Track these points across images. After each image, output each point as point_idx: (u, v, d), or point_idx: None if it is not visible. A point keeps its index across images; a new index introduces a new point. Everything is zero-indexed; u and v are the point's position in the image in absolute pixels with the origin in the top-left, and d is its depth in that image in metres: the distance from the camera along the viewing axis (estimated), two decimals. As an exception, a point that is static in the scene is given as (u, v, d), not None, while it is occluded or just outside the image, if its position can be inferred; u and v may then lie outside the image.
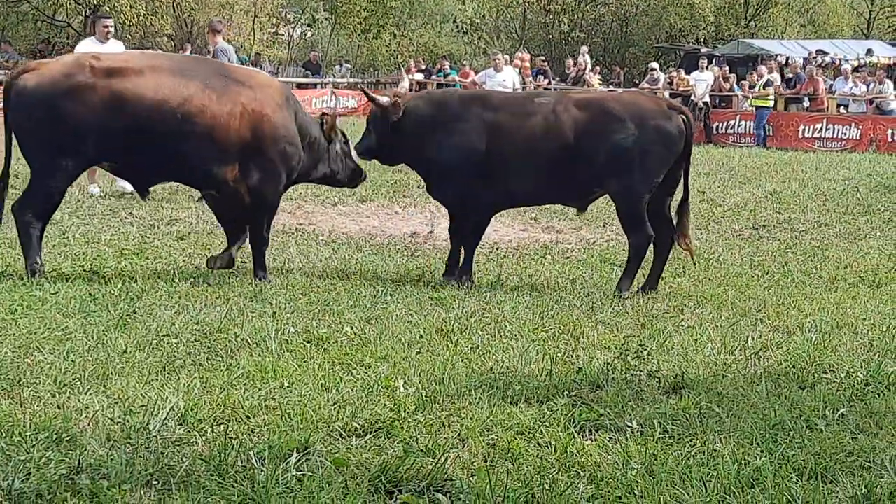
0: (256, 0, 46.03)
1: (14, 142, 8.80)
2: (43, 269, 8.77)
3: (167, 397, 5.62)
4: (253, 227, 9.33)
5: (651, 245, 9.43)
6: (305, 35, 52.58)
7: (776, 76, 28.91)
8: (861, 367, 6.89)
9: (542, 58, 35.66)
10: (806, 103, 28.80)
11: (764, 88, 27.98)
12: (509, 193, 9.56)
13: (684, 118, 9.32)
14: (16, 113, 8.73)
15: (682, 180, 9.48)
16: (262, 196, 9.17)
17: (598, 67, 33.36)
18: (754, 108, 28.09)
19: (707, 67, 30.14)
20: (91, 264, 9.45)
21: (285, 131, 9.15)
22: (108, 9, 35.90)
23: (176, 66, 9.00)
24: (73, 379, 5.96)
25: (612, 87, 32.96)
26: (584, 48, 35.68)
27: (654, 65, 34.28)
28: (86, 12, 37.40)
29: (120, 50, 14.35)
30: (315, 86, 35.52)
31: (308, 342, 7.07)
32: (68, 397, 5.66)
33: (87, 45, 14.34)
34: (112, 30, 14.52)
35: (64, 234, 11.19)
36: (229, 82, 8.99)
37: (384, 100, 9.54)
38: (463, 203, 9.53)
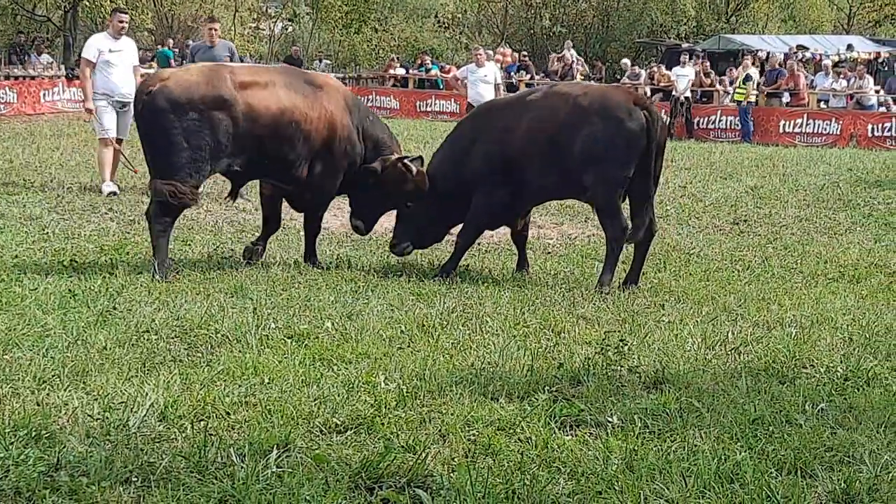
0: (237, -6, 45.99)
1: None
2: (173, 270, 9.21)
3: (147, 394, 5.61)
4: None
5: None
6: (286, 30, 52.54)
7: (755, 71, 28.95)
8: (841, 362, 6.92)
9: (524, 53, 35.60)
10: (786, 98, 28.86)
11: (744, 83, 28.01)
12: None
13: (647, 113, 9.32)
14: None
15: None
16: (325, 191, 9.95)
17: (581, 59, 33.31)
18: (736, 104, 28.13)
19: (688, 63, 30.17)
20: (71, 260, 9.40)
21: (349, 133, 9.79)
22: (88, 4, 35.85)
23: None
24: (53, 375, 5.95)
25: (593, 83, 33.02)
26: (569, 42, 35.69)
27: (626, 61, 34.31)
28: (65, 6, 37.24)
29: (131, 46, 14.35)
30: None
31: (289, 338, 7.06)
32: (47, 394, 5.64)
33: (99, 40, 14.30)
34: (126, 25, 14.39)
35: (43, 229, 11.14)
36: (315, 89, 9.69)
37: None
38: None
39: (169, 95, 8.98)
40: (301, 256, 10.08)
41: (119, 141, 14.36)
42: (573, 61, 32.61)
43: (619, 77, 34.92)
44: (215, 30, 14.70)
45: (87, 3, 36.82)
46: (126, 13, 14.88)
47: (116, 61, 14.09)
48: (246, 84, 9.28)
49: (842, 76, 29.05)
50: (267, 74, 9.73)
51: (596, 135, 9.24)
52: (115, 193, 13.83)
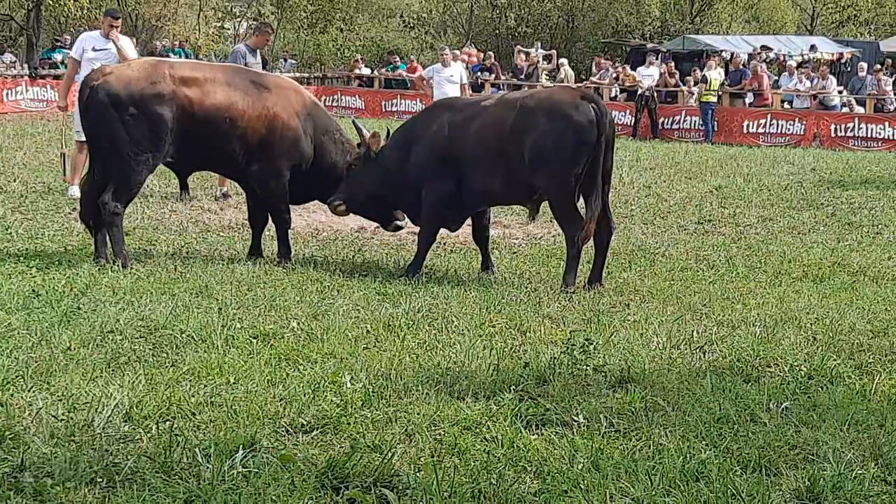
0: (202, -7, 45.80)
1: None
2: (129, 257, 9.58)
3: (112, 394, 5.59)
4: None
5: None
6: (251, 29, 52.38)
7: (719, 72, 29.07)
8: (804, 360, 6.97)
9: (491, 54, 35.61)
10: (750, 98, 29.00)
11: (706, 84, 28.12)
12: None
13: (595, 106, 9.38)
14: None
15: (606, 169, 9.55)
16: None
17: (547, 61, 33.34)
18: (699, 104, 28.26)
19: (655, 63, 30.29)
20: (34, 260, 9.35)
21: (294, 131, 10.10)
22: (51, 3, 35.60)
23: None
24: (17, 376, 5.91)
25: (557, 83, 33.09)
26: (538, 44, 35.74)
27: (563, 60, 34.34)
28: (28, 5, 36.99)
29: (123, 47, 14.17)
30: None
31: (254, 338, 7.05)
32: (11, 395, 5.61)
33: (86, 38, 14.16)
34: (118, 30, 14.16)
35: (7, 229, 11.06)
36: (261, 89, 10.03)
37: None
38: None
39: (109, 90, 9.35)
40: (266, 257, 10.08)
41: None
42: (538, 60, 32.65)
43: (584, 77, 35.01)
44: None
45: (51, 2, 36.56)
46: (118, 18, 14.71)
47: (98, 60, 13.95)
48: (185, 80, 9.64)
49: (805, 77, 29.22)
50: (209, 71, 10.07)
51: (544, 134, 9.28)
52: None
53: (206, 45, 43.61)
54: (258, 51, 14.58)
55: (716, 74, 28.56)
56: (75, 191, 13.82)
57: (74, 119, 13.92)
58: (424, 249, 9.91)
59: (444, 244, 11.43)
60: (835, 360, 7.00)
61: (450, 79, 20.91)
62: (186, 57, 33.37)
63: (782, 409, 5.93)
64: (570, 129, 9.21)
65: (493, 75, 32.37)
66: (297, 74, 38.51)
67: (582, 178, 9.29)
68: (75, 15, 37.33)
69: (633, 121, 28.88)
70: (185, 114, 9.55)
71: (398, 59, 36.71)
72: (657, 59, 31.19)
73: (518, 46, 35.57)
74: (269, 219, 10.36)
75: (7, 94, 28.68)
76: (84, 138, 13.80)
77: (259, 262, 9.80)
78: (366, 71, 35.97)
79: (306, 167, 10.14)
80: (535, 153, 9.28)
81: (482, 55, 35.20)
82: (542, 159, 9.28)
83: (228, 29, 51.31)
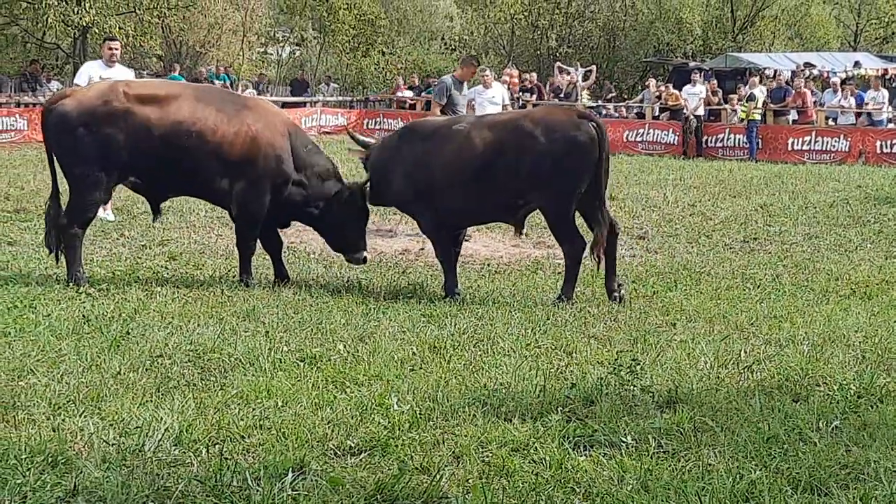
0: (245, 19, 46.14)
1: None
2: (85, 278, 9.62)
3: (162, 418, 5.63)
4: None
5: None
6: (294, 54, 52.68)
7: (762, 89, 28.95)
8: (854, 379, 6.90)
9: (534, 75, 35.59)
10: (794, 116, 28.86)
11: (747, 102, 28.02)
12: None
13: (595, 125, 9.47)
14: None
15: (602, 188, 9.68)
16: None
17: (589, 81, 33.28)
18: (743, 122, 28.14)
19: (699, 81, 30.21)
20: (84, 286, 9.43)
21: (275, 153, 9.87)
22: (97, 31, 35.92)
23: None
24: (68, 401, 5.97)
25: (601, 103, 33.05)
26: (577, 63, 35.70)
27: (652, 81, 34.26)
28: (75, 34, 37.36)
29: (127, 74, 14.25)
30: (304, 104, 35.51)
31: (301, 361, 7.07)
32: (63, 420, 5.66)
33: (91, 67, 14.30)
34: (116, 52, 14.31)
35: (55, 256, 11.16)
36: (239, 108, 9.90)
37: None
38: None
39: (62, 110, 9.49)
40: (311, 280, 10.11)
41: None
42: (577, 79, 32.61)
43: (626, 97, 34.92)
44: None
45: (97, 30, 36.92)
46: (116, 40, 14.84)
47: None
48: (142, 97, 9.57)
49: (850, 93, 29.02)
50: (169, 88, 10.06)
51: (544, 154, 9.38)
52: (110, 220, 13.82)
53: (249, 69, 43.90)
54: (464, 83, 14.34)
55: (759, 92, 28.44)
56: (108, 215, 13.91)
57: None
58: (447, 265, 9.97)
59: (489, 265, 11.44)
60: (884, 378, 6.95)
61: (492, 100, 20.86)
62: (231, 83, 33.62)
63: (832, 429, 5.88)
64: (572, 149, 9.34)
65: (535, 96, 32.35)
66: (340, 98, 38.77)
67: (582, 195, 9.47)
68: (121, 42, 37.66)
69: (677, 140, 28.82)
70: (141, 131, 9.44)
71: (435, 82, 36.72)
72: (700, 77, 31.10)
73: (558, 64, 35.51)
74: (281, 241, 10.44)
75: (55, 121, 28.87)
76: None
77: (305, 285, 9.84)
78: (408, 94, 36.07)
79: (287, 188, 9.96)
80: (533, 173, 9.42)
81: (523, 76, 35.16)
82: (539, 179, 9.42)
83: (271, 54, 51.61)
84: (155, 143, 9.48)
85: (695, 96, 29.22)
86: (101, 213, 13.87)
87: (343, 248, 10.47)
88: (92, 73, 14.01)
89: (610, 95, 35.99)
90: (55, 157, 9.68)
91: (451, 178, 9.66)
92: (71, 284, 9.38)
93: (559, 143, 9.40)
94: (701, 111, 28.96)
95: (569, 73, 33.39)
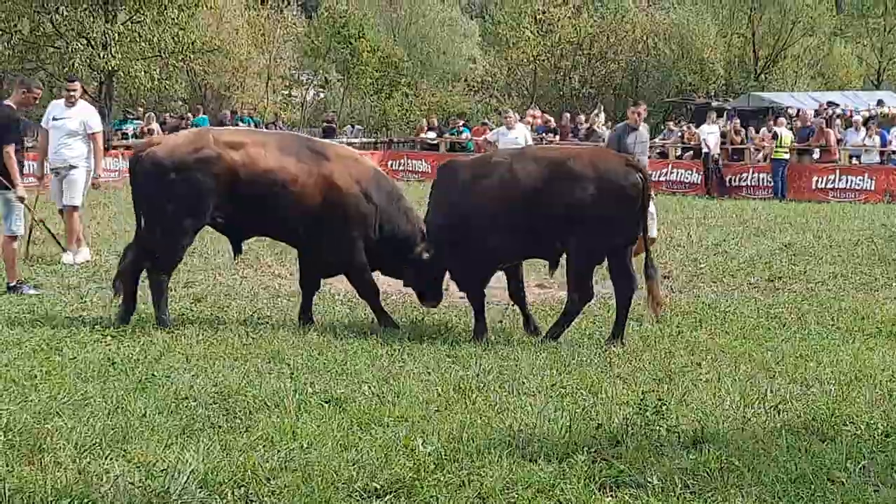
0: (270, 62, 46.49)
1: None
2: (170, 321, 9.84)
3: (187, 460, 5.64)
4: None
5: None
6: (318, 97, 53.04)
7: (785, 130, 28.94)
8: (881, 418, 6.87)
9: (548, 116, 35.65)
10: (817, 154, 28.81)
11: (777, 141, 27.99)
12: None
13: (641, 175, 9.37)
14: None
15: (643, 241, 9.57)
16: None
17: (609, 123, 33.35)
18: (771, 161, 28.11)
19: (714, 120, 30.22)
20: (109, 328, 9.48)
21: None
22: (122, 75, 36.23)
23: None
24: (94, 443, 5.99)
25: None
26: (601, 105, 35.84)
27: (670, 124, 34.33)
28: (100, 78, 37.72)
29: (83, 114, 14.24)
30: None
31: (326, 402, 7.08)
32: (89, 462, 5.68)
33: (52, 106, 14.41)
34: (74, 94, 14.30)
35: (81, 298, 11.24)
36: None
37: None
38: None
39: (153, 158, 9.58)
40: (336, 321, 10.16)
41: (60, 211, 14.58)
42: (596, 121, 32.70)
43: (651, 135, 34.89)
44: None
45: (122, 74, 37.27)
46: (74, 81, 14.88)
47: (57, 128, 14.17)
48: (232, 144, 9.71)
49: (874, 132, 28.96)
50: (259, 136, 10.29)
51: (587, 198, 9.24)
52: (73, 263, 13.75)
53: (273, 112, 44.20)
54: (628, 126, 14.18)
55: (785, 132, 28.42)
56: (68, 257, 13.87)
57: (53, 189, 14.21)
58: (477, 307, 9.95)
59: (515, 306, 11.42)
60: (912, 417, 6.91)
61: (515, 141, 21.01)
62: (256, 125, 33.78)
63: (860, 468, 5.84)
64: (617, 197, 9.26)
65: (558, 136, 32.41)
66: (364, 140, 38.95)
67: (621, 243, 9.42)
68: (146, 86, 38.02)
69: (699, 179, 28.85)
70: (231, 177, 9.58)
71: (461, 123, 36.92)
72: (716, 115, 31.11)
73: (581, 117, 35.54)
74: (319, 284, 10.54)
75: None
76: (61, 206, 14.14)
77: (330, 327, 9.85)
78: (431, 135, 36.23)
79: (374, 237, 10.09)
80: (572, 215, 9.26)
81: (545, 116, 35.26)
82: (578, 222, 9.26)
83: (296, 97, 51.95)
84: (241, 189, 9.63)
85: (713, 135, 29.20)
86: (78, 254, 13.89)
87: (424, 292, 10.59)
88: (50, 114, 14.27)
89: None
90: (142, 204, 9.80)
91: (493, 211, 9.52)
92: (160, 326, 9.56)
93: (605, 190, 9.23)
94: (716, 149, 28.90)
95: (587, 116, 33.52)
